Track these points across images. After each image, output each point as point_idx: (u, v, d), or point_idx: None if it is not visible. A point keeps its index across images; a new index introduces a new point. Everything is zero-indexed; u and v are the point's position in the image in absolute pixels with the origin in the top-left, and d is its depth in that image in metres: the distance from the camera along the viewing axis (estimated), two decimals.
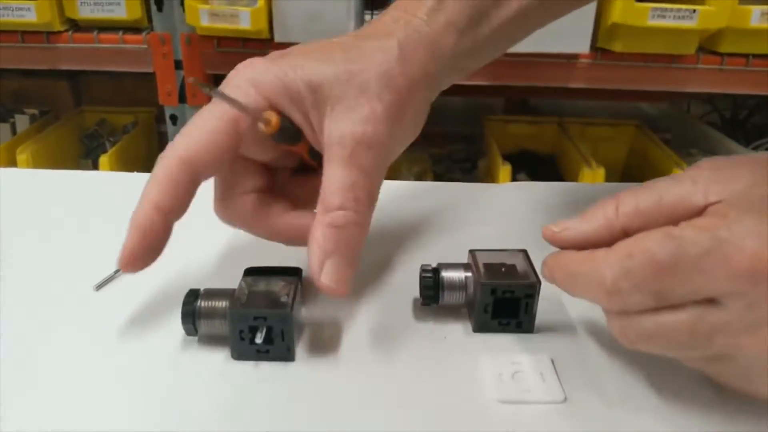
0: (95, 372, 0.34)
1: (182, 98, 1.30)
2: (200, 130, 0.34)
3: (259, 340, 0.32)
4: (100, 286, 0.40)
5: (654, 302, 0.26)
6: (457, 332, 0.37)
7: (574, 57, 1.18)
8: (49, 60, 1.35)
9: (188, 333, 0.34)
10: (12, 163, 1.35)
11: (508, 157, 1.25)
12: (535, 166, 1.39)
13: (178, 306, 0.34)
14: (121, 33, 1.26)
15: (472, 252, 0.38)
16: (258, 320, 0.32)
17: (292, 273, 0.36)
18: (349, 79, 0.34)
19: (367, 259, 0.44)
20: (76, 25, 1.29)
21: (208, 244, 0.44)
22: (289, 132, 0.35)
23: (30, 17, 1.22)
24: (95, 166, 1.49)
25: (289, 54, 0.36)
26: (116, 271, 0.41)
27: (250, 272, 0.36)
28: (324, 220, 0.32)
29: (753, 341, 0.25)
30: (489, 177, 1.32)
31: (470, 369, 0.34)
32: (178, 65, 1.28)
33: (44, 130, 1.46)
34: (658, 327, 0.27)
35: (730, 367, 0.28)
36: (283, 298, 0.34)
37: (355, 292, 0.40)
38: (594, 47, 1.16)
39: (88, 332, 0.36)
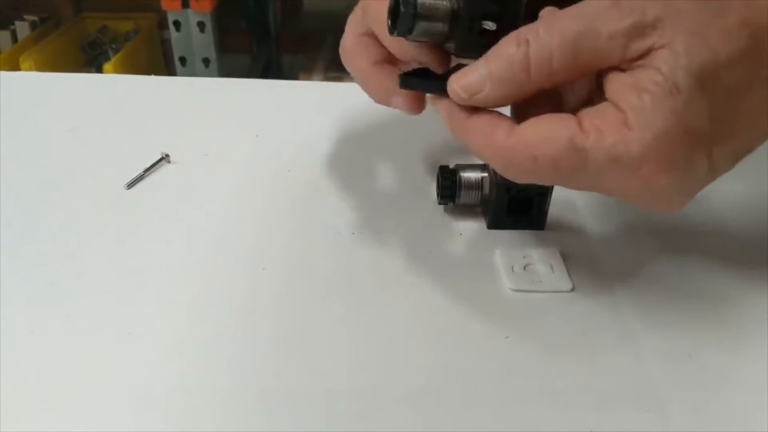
0: (136, 257, 0.36)
1: (185, 2, 1.27)
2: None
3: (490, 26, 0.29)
4: (130, 185, 0.42)
5: (554, 183, 0.28)
6: (472, 229, 0.39)
7: None
8: None
9: (393, 32, 0.30)
10: (15, 70, 1.33)
11: None
12: None
13: (199, 201, 0.36)
14: None
15: None
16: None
17: None
18: None
19: (388, 162, 0.46)
20: None
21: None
22: None
23: None
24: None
25: None
26: (145, 171, 0.42)
27: None
28: None
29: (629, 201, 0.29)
30: None
31: (485, 262, 0.37)
32: None
33: (45, 37, 1.44)
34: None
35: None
36: None
37: (377, 192, 0.42)
38: None
39: (128, 227, 0.39)
